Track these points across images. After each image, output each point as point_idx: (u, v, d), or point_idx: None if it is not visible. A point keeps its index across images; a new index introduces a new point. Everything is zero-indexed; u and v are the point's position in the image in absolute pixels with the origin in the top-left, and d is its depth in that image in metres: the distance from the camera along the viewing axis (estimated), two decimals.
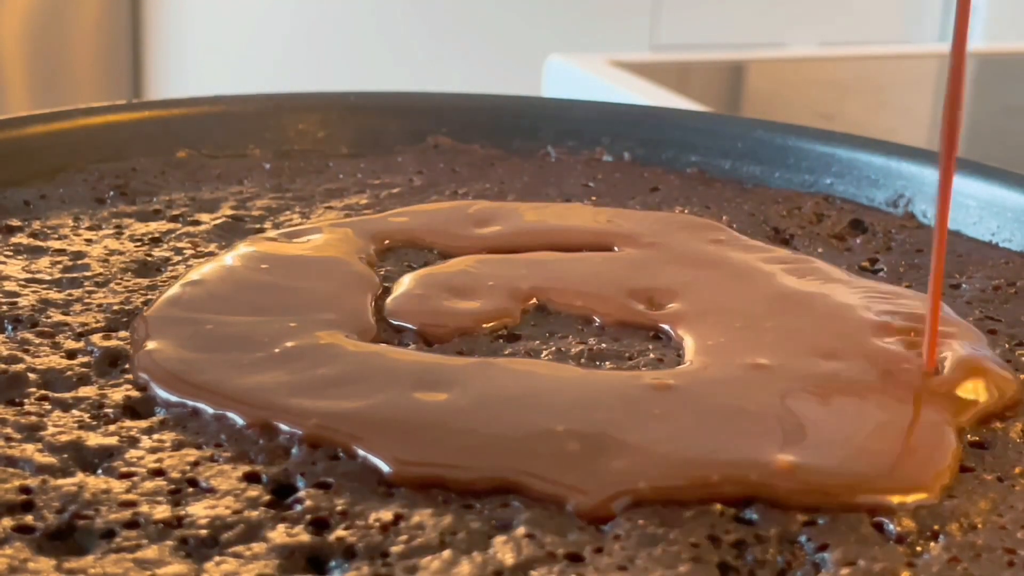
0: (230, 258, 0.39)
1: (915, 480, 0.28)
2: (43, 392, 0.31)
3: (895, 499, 0.27)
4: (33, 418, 0.30)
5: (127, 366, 0.32)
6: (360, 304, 0.36)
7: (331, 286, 0.37)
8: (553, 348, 0.34)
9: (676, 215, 0.46)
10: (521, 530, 0.26)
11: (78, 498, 0.27)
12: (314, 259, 0.39)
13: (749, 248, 0.42)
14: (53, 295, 0.37)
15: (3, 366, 0.32)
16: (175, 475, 0.28)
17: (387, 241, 0.41)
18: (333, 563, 0.25)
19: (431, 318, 0.35)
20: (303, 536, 0.26)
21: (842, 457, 0.28)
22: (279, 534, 0.26)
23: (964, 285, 0.40)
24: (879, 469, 0.28)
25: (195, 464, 0.28)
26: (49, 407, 0.30)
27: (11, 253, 0.40)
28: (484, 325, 0.35)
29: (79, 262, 0.39)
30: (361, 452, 0.28)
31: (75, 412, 0.30)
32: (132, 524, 0.26)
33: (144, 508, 0.26)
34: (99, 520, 0.26)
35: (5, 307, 0.35)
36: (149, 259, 0.40)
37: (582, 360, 0.34)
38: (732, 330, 0.35)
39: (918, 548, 0.26)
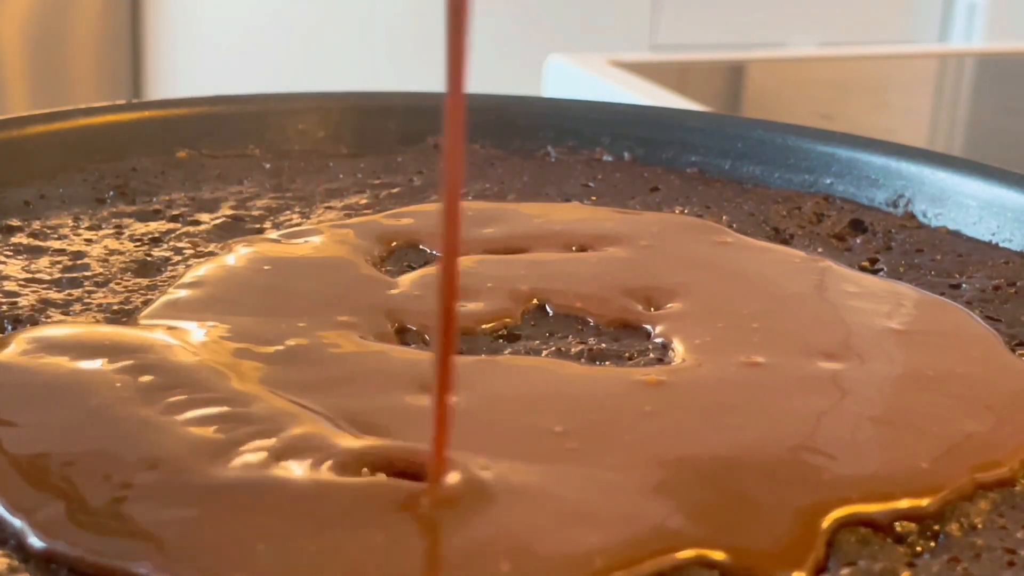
0: (236, 259, 0.39)
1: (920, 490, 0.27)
2: None
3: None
4: None
5: None
6: (376, 306, 0.36)
7: (341, 288, 0.37)
8: (553, 348, 0.34)
9: (680, 217, 0.46)
10: None
11: None
12: (321, 261, 0.39)
13: (753, 249, 0.42)
14: (53, 295, 0.37)
15: None
16: None
17: (394, 243, 0.41)
18: None
19: (431, 318, 0.35)
20: None
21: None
22: None
23: (964, 285, 0.40)
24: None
25: None
26: None
27: (11, 253, 0.40)
28: (484, 325, 0.35)
29: (79, 262, 0.39)
30: None
31: None
32: None
33: None
34: None
35: (5, 307, 0.35)
36: (149, 259, 0.40)
37: (582, 360, 0.34)
38: (730, 329, 0.35)
39: (918, 548, 0.26)
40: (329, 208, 0.46)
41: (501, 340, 0.35)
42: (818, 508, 0.26)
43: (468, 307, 0.36)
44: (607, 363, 0.33)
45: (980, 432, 0.30)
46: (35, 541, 0.24)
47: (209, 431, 0.27)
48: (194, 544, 0.24)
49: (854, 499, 0.26)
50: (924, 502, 0.27)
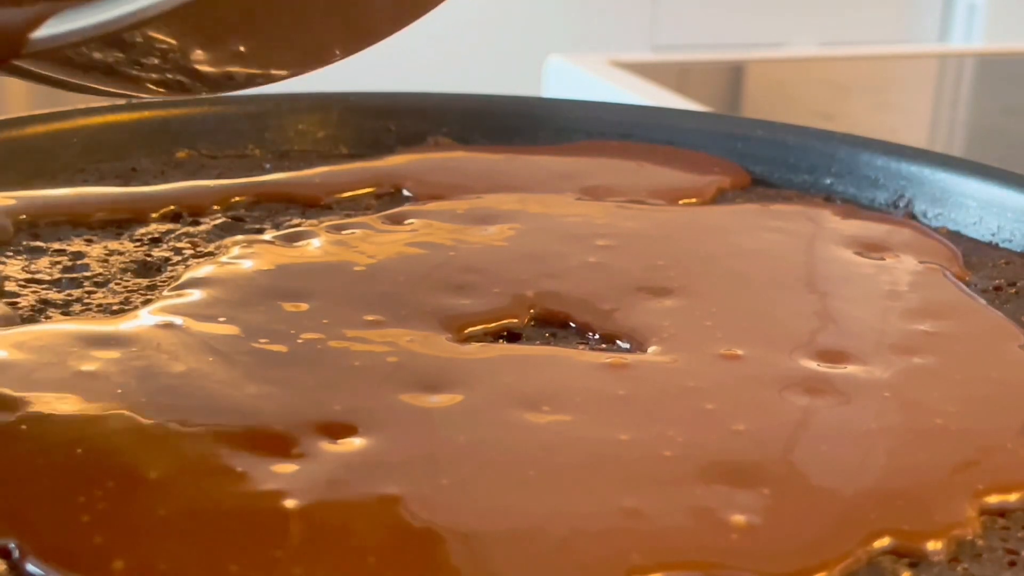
0: (236, 260, 0.39)
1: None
2: None
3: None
4: None
5: None
6: (378, 305, 0.36)
7: (343, 287, 0.37)
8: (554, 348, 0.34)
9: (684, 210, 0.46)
10: None
11: None
12: (321, 260, 0.39)
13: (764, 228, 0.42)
14: (53, 295, 0.37)
15: None
16: None
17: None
18: None
19: (435, 315, 0.35)
20: None
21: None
22: None
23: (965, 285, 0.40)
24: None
25: None
26: None
27: (11, 253, 0.40)
28: (484, 325, 0.35)
29: (79, 262, 0.39)
30: None
31: None
32: None
33: None
34: None
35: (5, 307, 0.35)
36: (149, 259, 0.40)
37: None
38: (733, 326, 0.35)
39: (919, 548, 0.26)
40: (329, 209, 0.46)
41: (501, 340, 0.35)
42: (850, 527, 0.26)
43: (469, 307, 0.36)
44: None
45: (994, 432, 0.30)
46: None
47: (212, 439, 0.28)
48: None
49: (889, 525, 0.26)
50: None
